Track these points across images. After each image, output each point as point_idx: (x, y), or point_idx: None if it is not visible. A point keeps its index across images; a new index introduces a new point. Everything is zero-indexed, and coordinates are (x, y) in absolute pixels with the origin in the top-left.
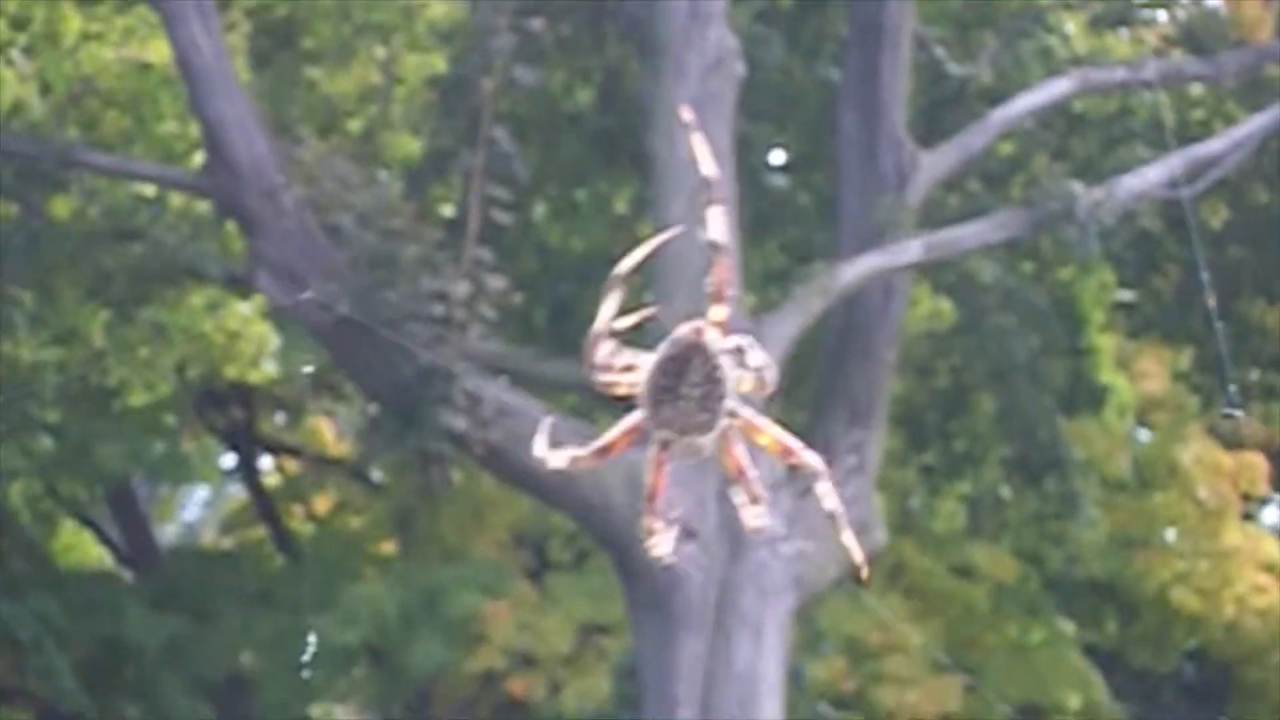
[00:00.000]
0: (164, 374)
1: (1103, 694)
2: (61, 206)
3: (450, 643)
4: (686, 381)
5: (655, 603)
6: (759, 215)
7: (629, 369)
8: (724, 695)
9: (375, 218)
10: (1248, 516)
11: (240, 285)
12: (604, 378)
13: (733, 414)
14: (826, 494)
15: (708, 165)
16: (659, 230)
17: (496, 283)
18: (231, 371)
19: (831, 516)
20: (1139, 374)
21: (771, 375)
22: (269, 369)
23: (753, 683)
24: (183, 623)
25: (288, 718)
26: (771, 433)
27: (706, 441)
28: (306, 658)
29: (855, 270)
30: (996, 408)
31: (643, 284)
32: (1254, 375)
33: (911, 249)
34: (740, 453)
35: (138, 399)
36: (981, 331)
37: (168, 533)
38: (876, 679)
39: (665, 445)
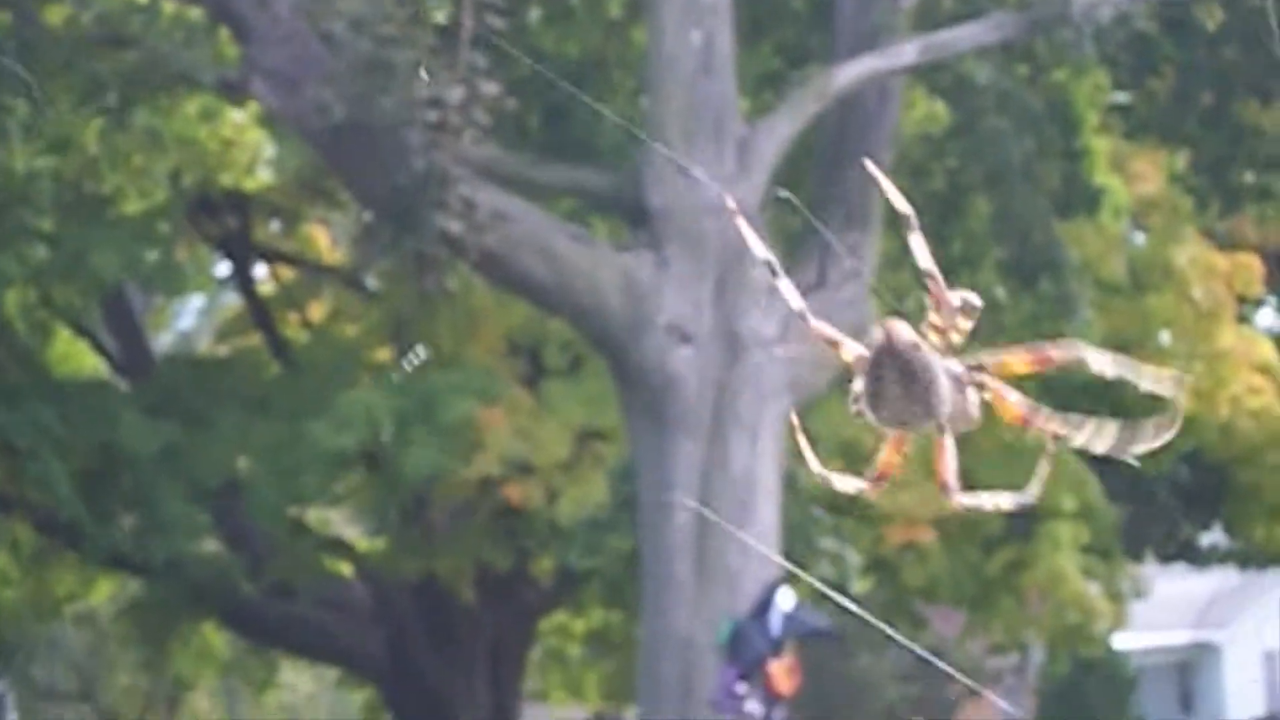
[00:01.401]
0: (158, 181)
1: (1097, 496)
2: (55, 13)
3: (446, 449)
4: (886, 381)
5: (651, 407)
6: (754, 18)
7: (834, 344)
8: (720, 498)
9: (369, 23)
10: (1242, 318)
11: (234, 92)
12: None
13: (977, 385)
14: (1066, 439)
15: (899, 202)
16: (653, 34)
17: (490, 88)
18: (226, 178)
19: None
20: (1134, 176)
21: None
22: (263, 176)
23: (749, 486)
24: (178, 430)
25: (281, 521)
26: (1011, 401)
27: (938, 422)
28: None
29: (850, 73)
30: (991, 210)
31: (636, 87)
32: (1249, 177)
33: (906, 51)
34: (948, 461)
35: (132, 206)
36: (976, 134)
37: (163, 341)
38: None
39: (940, 430)
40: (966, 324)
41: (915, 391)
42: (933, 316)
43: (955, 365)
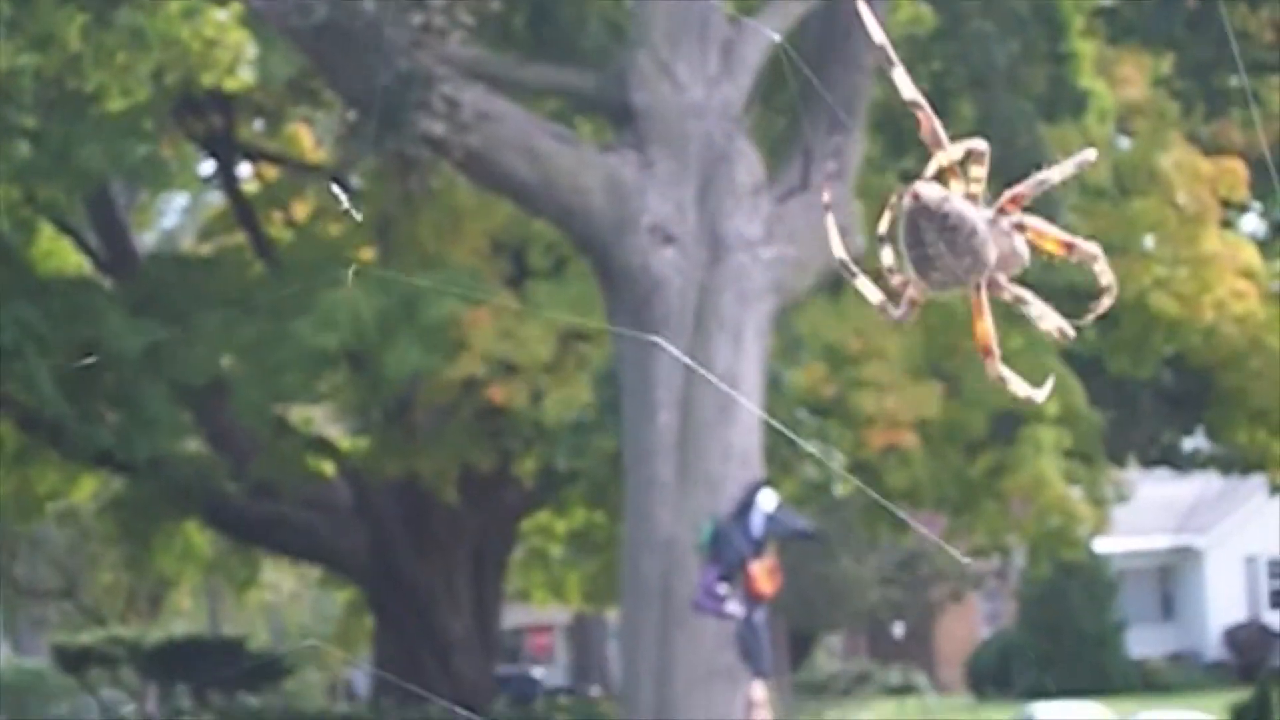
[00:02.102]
0: (141, 79)
1: (1081, 400)
2: None
3: (429, 349)
4: (928, 243)
5: (635, 308)
6: None
7: (891, 271)
8: (703, 399)
9: None
10: (1226, 223)
11: None
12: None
13: (1016, 226)
14: (1104, 272)
15: (877, 33)
16: None
17: None
18: (208, 78)
19: (1108, 290)
20: (1119, 80)
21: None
22: (246, 75)
23: (732, 387)
24: (161, 329)
25: (265, 421)
26: (1050, 233)
27: (989, 269)
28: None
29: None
30: (976, 113)
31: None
32: (1234, 82)
33: None
34: (989, 323)
35: (115, 104)
36: (961, 37)
37: (147, 240)
38: (855, 384)
39: (978, 289)
40: (979, 171)
41: (959, 244)
42: (940, 159)
43: (987, 211)
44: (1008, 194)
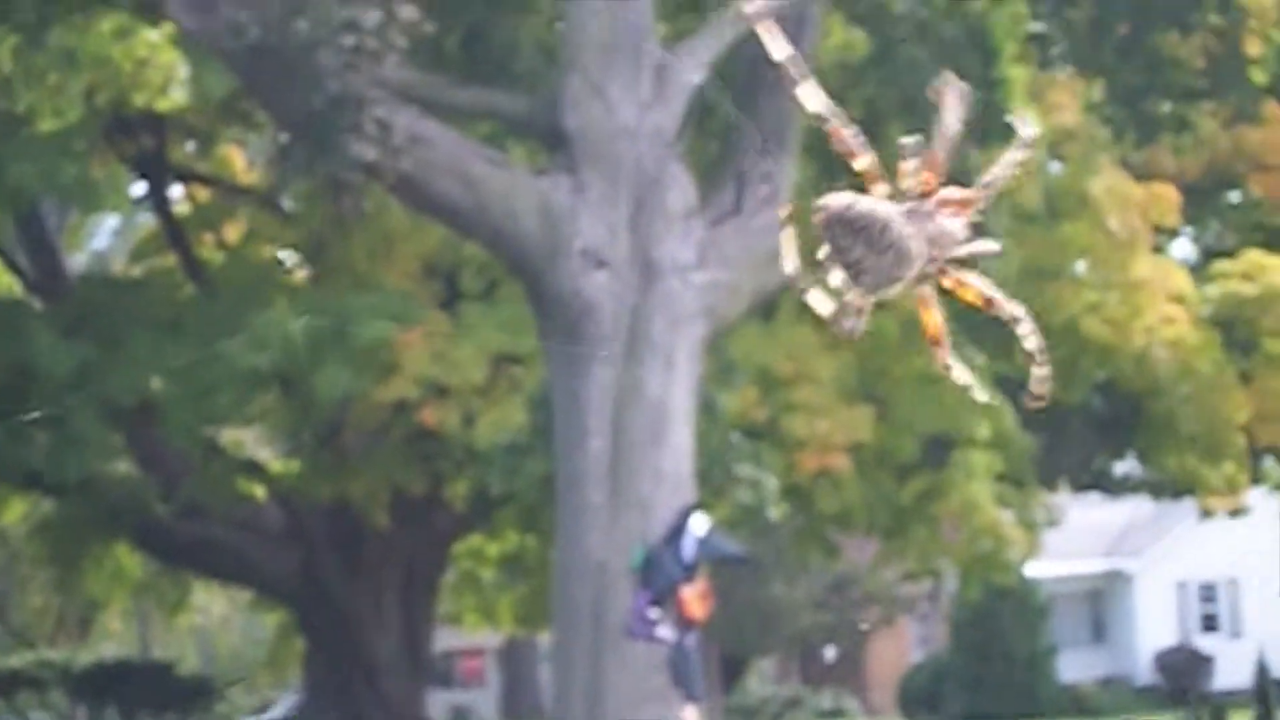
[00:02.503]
0: (73, 100)
1: (1011, 424)
2: None
3: (360, 371)
4: (847, 249)
5: (567, 331)
6: None
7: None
8: (635, 423)
9: None
10: (1158, 248)
11: (150, 11)
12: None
13: (940, 204)
14: (1028, 336)
15: (779, 49)
16: None
17: (408, 11)
18: (140, 98)
19: (1031, 355)
20: (1051, 106)
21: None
22: (178, 96)
23: (663, 411)
24: (92, 349)
25: (196, 442)
26: (972, 287)
27: (918, 259)
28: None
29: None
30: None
31: (554, 11)
32: (1165, 108)
33: None
34: (937, 315)
35: (47, 124)
36: (894, 62)
37: (78, 261)
38: (788, 408)
39: (920, 280)
40: (910, 163)
41: (875, 241)
42: (858, 165)
43: (907, 203)
44: (913, 175)
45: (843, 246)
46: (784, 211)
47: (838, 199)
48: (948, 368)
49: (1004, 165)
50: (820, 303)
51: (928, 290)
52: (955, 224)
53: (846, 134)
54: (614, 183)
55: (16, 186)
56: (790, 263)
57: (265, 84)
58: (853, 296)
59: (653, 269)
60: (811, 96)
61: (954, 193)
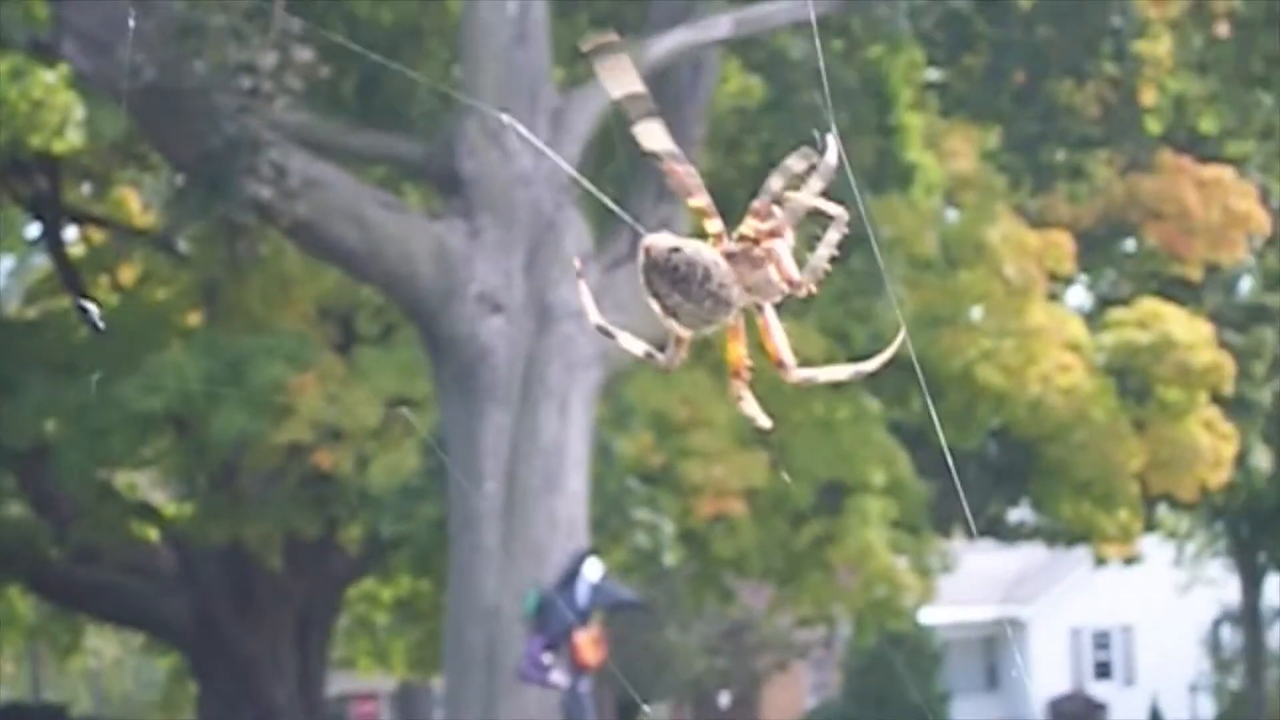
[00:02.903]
0: None
1: (907, 470)
2: None
3: (255, 414)
4: (664, 295)
5: (462, 376)
6: None
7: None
8: (529, 468)
9: None
10: (1053, 296)
11: (45, 52)
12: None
13: (766, 254)
14: (814, 376)
15: (618, 88)
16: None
17: (304, 54)
18: (36, 140)
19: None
20: (948, 153)
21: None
22: (74, 138)
23: (558, 455)
24: None
25: (89, 485)
26: (771, 338)
27: (735, 306)
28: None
29: (665, 45)
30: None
31: (451, 56)
32: (1060, 156)
33: (721, 24)
34: (741, 347)
35: None
36: (790, 108)
37: None
38: (683, 453)
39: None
40: (757, 210)
41: (694, 292)
42: (693, 203)
43: (732, 246)
44: (751, 221)
45: (658, 290)
46: (579, 264)
47: (660, 242)
48: (739, 399)
49: (825, 247)
50: (632, 344)
51: (739, 324)
52: (784, 265)
53: (682, 171)
54: (510, 227)
55: None
56: (593, 314)
57: (160, 126)
58: (678, 330)
59: (548, 314)
60: (649, 135)
61: (782, 255)
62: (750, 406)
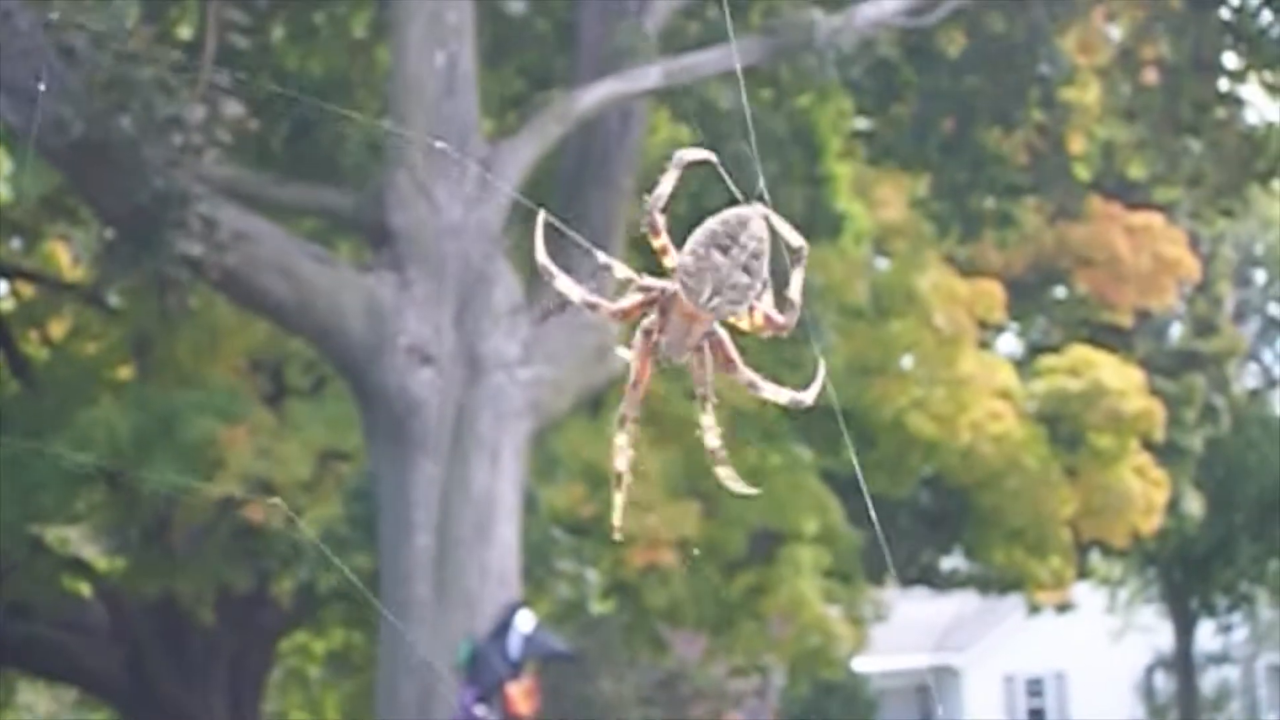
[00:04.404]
0: None
1: (838, 520)
2: None
3: (187, 468)
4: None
5: (392, 428)
6: (498, 40)
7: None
8: (460, 519)
9: (110, 40)
10: (984, 344)
11: None
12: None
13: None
14: (770, 391)
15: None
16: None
17: (233, 107)
18: None
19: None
20: (877, 201)
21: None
22: (2, 192)
23: (489, 507)
24: None
25: (20, 540)
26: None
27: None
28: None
29: (594, 96)
30: None
31: (381, 107)
32: (989, 203)
33: (650, 75)
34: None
35: None
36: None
37: None
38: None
39: (648, 335)
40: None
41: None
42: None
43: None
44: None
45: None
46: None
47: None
48: (718, 466)
49: (796, 281)
50: (570, 287)
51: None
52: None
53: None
54: (440, 279)
55: None
56: (540, 254)
57: (89, 180)
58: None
59: (478, 365)
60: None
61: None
62: (728, 474)
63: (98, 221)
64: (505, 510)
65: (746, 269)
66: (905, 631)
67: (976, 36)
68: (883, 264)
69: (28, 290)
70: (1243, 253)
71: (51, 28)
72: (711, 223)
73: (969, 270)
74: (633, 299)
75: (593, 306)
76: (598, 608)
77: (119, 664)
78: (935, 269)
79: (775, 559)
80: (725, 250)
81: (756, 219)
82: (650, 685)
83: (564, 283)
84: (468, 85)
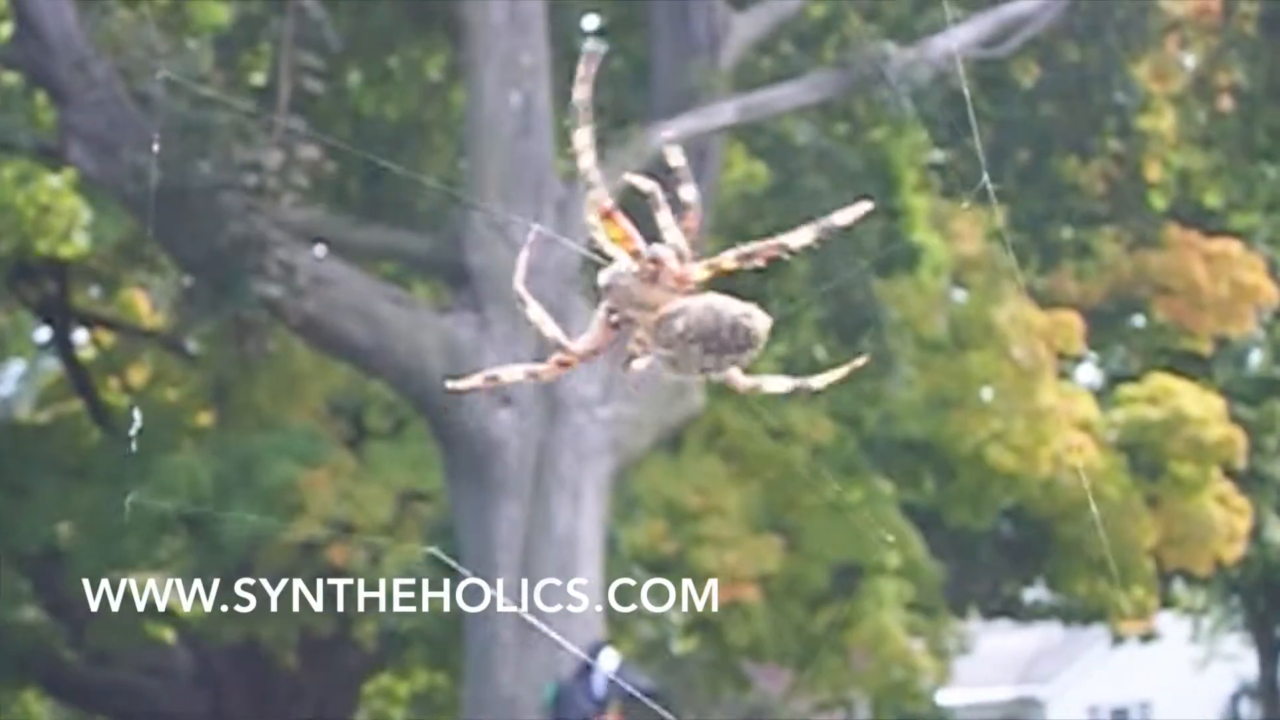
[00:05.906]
0: None
1: (920, 552)
2: None
3: (267, 512)
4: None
5: (473, 468)
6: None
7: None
8: (543, 559)
9: (186, 86)
10: (1063, 375)
11: (51, 157)
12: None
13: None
14: (772, 384)
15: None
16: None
17: (309, 151)
18: (43, 245)
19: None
20: (953, 234)
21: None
22: (80, 242)
23: (571, 546)
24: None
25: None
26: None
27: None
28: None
29: (669, 133)
30: (810, 270)
31: (456, 149)
32: (1067, 234)
33: (725, 111)
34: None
35: None
36: (795, 193)
37: None
38: (696, 541)
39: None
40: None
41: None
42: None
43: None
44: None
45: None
46: (532, 235)
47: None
48: (749, 388)
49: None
50: (542, 318)
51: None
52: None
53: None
54: (518, 319)
55: None
56: (518, 280)
57: (167, 227)
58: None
59: (558, 405)
60: (586, 151)
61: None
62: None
63: (176, 268)
64: (587, 549)
65: (726, 364)
66: (989, 664)
67: (1050, 67)
68: (960, 296)
69: (107, 338)
70: None
71: (127, 76)
72: (716, 314)
73: (1046, 301)
74: (597, 335)
75: (560, 347)
76: (680, 646)
77: (203, 709)
78: (1013, 300)
79: (858, 592)
80: (712, 352)
81: (762, 335)
82: None
83: (536, 313)
84: (543, 125)
